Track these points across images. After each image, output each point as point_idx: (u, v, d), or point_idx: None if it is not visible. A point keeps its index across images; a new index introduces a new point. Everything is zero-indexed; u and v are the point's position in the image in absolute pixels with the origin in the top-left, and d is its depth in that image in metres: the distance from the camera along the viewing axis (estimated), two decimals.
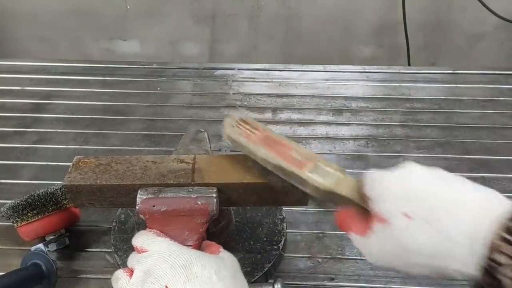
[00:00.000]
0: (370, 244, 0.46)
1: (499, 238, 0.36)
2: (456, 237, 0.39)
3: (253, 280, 0.61)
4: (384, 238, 0.44)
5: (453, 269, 0.40)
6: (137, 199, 0.53)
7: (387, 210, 0.43)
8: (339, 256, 0.69)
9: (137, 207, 0.52)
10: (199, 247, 0.52)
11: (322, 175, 0.49)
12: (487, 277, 0.37)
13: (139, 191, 0.53)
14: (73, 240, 0.71)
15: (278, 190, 0.53)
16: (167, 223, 0.52)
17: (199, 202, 0.52)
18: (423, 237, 0.41)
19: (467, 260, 0.39)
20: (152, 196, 0.53)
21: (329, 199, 0.49)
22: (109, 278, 0.49)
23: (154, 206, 0.52)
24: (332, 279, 0.67)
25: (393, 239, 0.43)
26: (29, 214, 0.65)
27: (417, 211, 0.41)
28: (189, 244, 0.51)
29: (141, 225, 0.65)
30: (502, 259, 0.36)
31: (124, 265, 0.53)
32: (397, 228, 0.42)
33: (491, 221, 0.38)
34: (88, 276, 0.67)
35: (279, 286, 0.59)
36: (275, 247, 0.66)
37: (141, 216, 0.52)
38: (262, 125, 0.56)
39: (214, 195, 0.52)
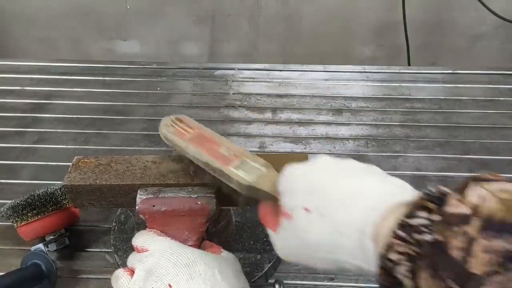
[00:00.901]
0: (279, 239, 0.45)
1: (393, 235, 0.34)
2: (346, 230, 0.38)
3: (253, 280, 0.61)
4: (289, 233, 0.43)
5: (350, 263, 0.39)
6: (137, 199, 0.53)
7: (291, 205, 0.42)
8: None
9: (137, 207, 0.52)
10: (199, 247, 0.52)
11: (247, 171, 0.49)
12: (386, 276, 0.35)
13: (139, 191, 0.53)
14: (73, 240, 0.71)
15: None
16: (167, 223, 0.52)
17: (199, 202, 0.52)
18: (319, 230, 0.40)
19: (357, 254, 0.38)
20: (152, 196, 0.53)
21: (252, 194, 0.49)
22: (109, 278, 0.49)
23: (154, 206, 0.52)
24: (332, 279, 0.67)
25: (295, 234, 0.42)
26: (29, 214, 0.65)
27: (315, 204, 0.40)
28: (189, 244, 0.51)
29: (141, 225, 0.65)
30: (395, 257, 0.34)
31: (124, 265, 0.53)
32: (298, 222, 0.42)
33: (382, 215, 0.36)
34: (88, 276, 0.67)
35: (279, 286, 0.59)
36: None
37: (141, 216, 0.52)
38: (196, 124, 0.57)
39: (214, 195, 0.52)
